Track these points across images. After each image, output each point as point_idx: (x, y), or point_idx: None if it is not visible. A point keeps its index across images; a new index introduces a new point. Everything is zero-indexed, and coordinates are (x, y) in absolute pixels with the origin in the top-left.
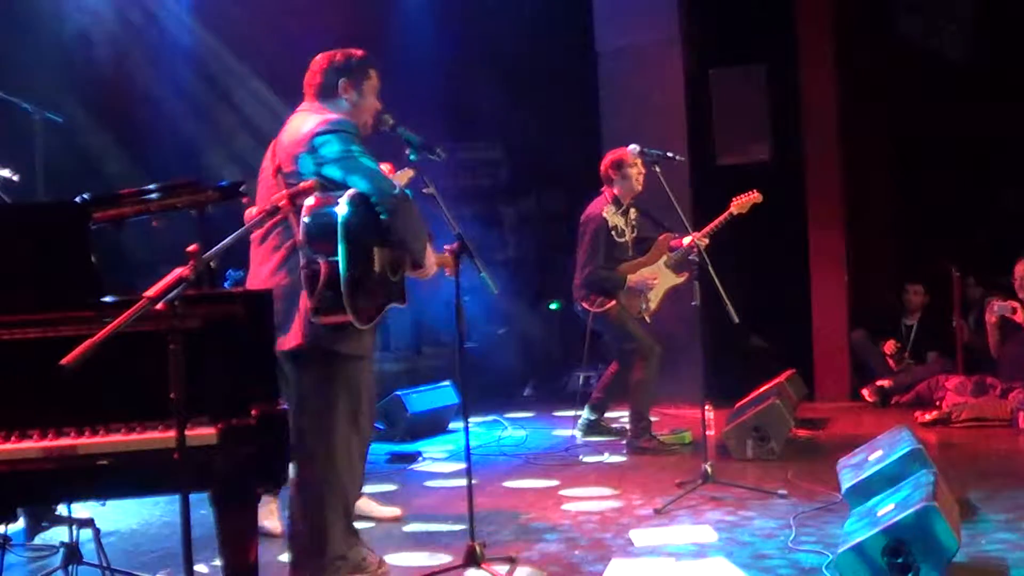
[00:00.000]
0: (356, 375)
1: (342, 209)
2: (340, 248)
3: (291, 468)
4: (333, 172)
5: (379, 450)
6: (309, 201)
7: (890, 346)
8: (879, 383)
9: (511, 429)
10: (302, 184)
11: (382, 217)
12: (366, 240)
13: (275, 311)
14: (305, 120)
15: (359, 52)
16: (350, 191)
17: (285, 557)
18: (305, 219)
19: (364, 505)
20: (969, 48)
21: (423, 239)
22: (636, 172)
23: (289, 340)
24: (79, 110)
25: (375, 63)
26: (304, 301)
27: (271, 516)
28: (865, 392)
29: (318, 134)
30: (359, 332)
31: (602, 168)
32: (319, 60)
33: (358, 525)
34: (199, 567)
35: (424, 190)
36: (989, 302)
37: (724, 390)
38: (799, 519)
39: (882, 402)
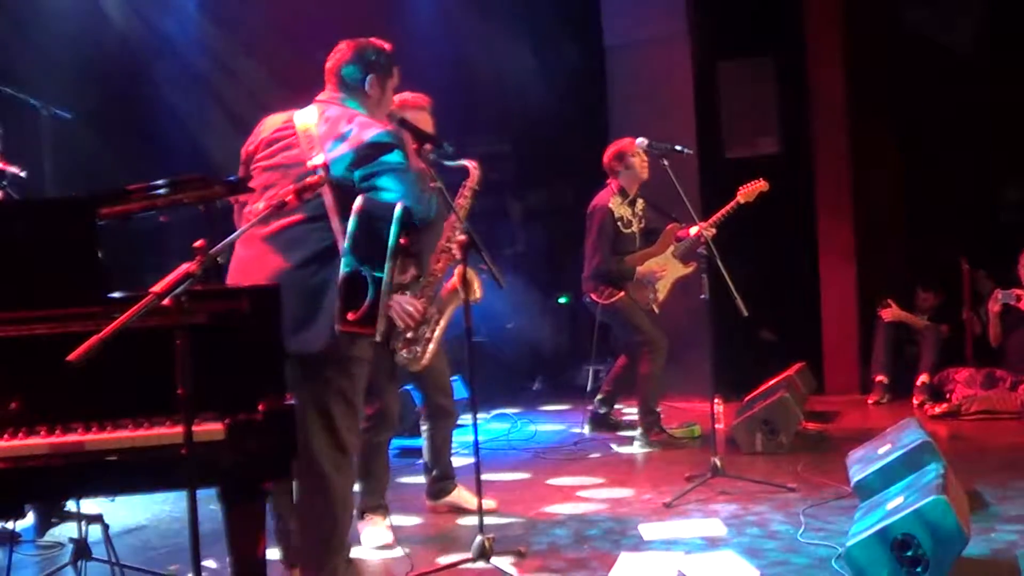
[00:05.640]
0: (360, 377)
1: (392, 226)
2: (387, 265)
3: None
4: (386, 180)
5: None
6: (359, 203)
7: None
8: (878, 378)
9: (520, 423)
10: (308, 180)
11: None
12: (394, 256)
13: (295, 308)
14: (336, 113)
15: (388, 46)
16: (398, 205)
17: None
18: (352, 224)
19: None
20: (978, 41)
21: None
22: (639, 161)
23: (312, 341)
24: (87, 106)
25: (397, 60)
26: (329, 303)
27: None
28: (870, 400)
29: (382, 143)
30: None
31: (605, 160)
32: (346, 48)
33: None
34: (207, 562)
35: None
36: (993, 291)
37: (733, 383)
38: (808, 512)
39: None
